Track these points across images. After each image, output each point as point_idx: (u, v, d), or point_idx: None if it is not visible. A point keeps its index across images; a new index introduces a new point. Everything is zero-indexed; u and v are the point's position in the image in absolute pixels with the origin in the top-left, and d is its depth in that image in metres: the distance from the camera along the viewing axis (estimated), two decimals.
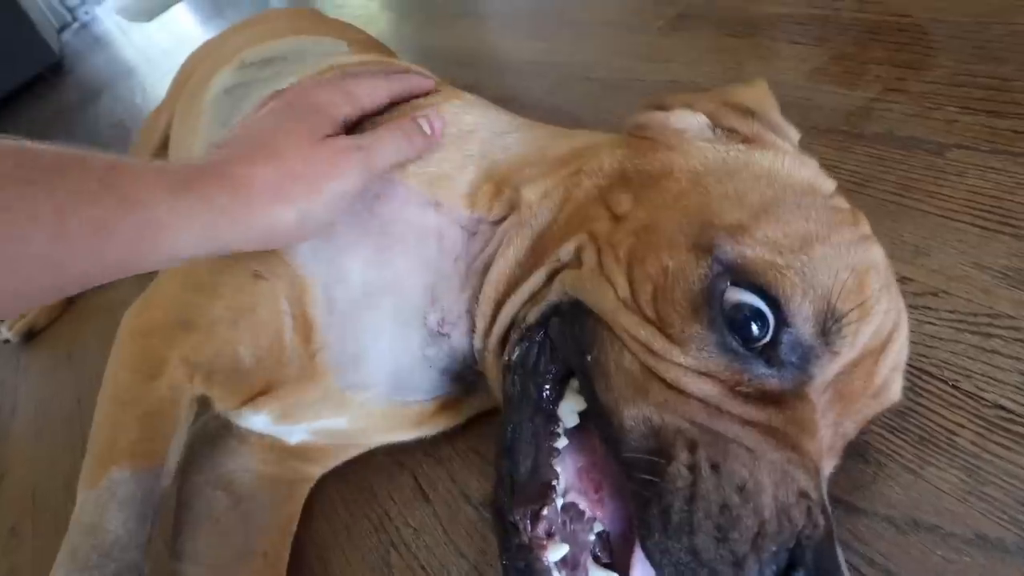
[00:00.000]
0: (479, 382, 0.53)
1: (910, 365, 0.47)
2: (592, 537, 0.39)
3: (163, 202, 0.35)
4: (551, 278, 0.42)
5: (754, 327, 0.34)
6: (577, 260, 0.41)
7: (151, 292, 0.51)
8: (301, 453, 0.57)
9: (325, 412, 0.51)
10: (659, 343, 0.35)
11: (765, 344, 0.34)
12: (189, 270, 0.50)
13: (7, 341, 1.06)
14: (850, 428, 0.37)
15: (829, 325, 0.34)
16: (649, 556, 0.32)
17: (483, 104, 0.58)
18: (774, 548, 0.30)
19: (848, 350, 0.34)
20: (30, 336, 1.07)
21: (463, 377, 0.52)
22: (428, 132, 0.48)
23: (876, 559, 0.40)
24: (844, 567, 0.31)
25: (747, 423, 0.33)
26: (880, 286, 0.36)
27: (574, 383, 0.40)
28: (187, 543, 0.52)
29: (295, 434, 0.54)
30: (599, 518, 0.40)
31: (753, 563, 0.29)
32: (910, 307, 0.50)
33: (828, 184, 0.41)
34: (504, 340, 0.45)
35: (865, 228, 0.38)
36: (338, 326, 0.48)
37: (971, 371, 0.46)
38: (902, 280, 0.39)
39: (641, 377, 0.36)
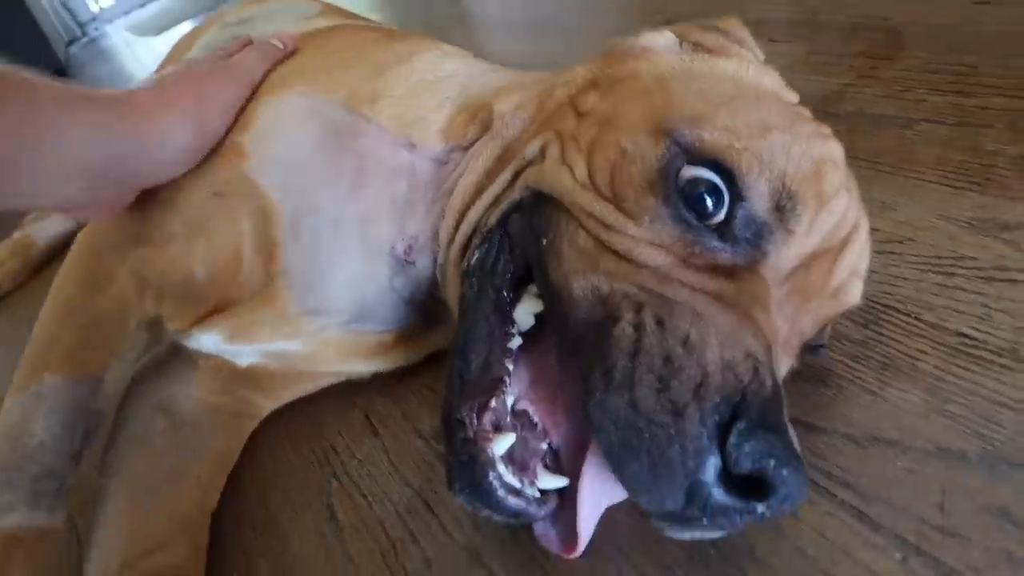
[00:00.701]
0: (440, 314, 0.51)
1: (873, 301, 0.47)
2: (544, 446, 0.37)
3: (51, 96, 0.37)
4: (515, 178, 0.42)
5: (708, 201, 0.33)
6: (541, 156, 0.40)
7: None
8: (251, 380, 0.55)
9: (279, 334, 0.50)
10: (613, 217, 0.35)
11: (720, 222, 0.34)
12: (154, 193, 0.49)
13: None
14: (807, 326, 0.36)
15: (784, 202, 0.33)
16: (591, 419, 0.30)
17: (464, 54, 0.58)
18: (717, 399, 0.28)
19: (804, 234, 0.34)
20: None
21: (425, 308, 0.51)
22: (281, 46, 0.53)
23: (834, 472, 0.38)
24: (791, 430, 0.29)
25: (697, 291, 0.32)
26: (839, 183, 0.36)
27: (532, 288, 0.39)
28: (116, 459, 0.49)
29: (245, 355, 0.52)
30: (549, 431, 0.38)
31: (694, 411, 0.28)
32: (876, 253, 0.50)
33: (791, 95, 0.41)
34: (466, 248, 0.44)
35: (827, 130, 0.38)
36: (302, 253, 0.47)
37: (934, 305, 0.45)
38: (870, 230, 0.39)
39: (593, 251, 0.35)
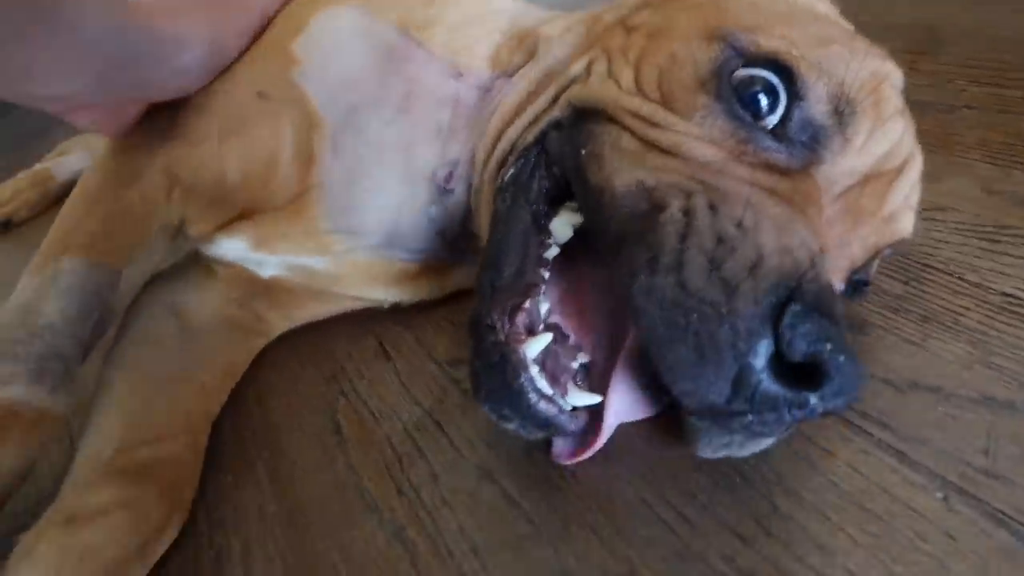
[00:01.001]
0: (468, 252, 0.50)
1: (913, 260, 0.45)
2: (574, 364, 0.35)
3: None
4: (557, 98, 0.40)
5: (764, 101, 0.32)
6: (586, 74, 0.39)
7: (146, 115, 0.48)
8: (269, 293, 0.53)
9: (305, 249, 0.49)
10: (662, 115, 0.34)
11: (775, 124, 0.33)
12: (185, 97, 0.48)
13: None
14: (857, 251, 0.35)
15: (843, 107, 0.32)
16: (633, 303, 0.28)
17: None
18: (773, 279, 0.26)
19: (859, 147, 0.33)
20: (6, 227, 1.03)
21: (456, 242, 0.50)
22: None
23: (871, 413, 0.36)
24: (844, 322, 0.28)
25: (751, 184, 0.31)
26: (897, 104, 0.35)
27: (570, 204, 0.38)
28: (122, 352, 0.47)
29: (269, 266, 0.51)
30: (582, 346, 0.36)
31: (748, 290, 0.26)
32: (919, 218, 0.49)
33: (848, 26, 0.40)
34: (501, 167, 0.43)
35: (884, 53, 0.37)
36: (341, 171, 0.46)
37: (977, 267, 0.44)
38: None
39: (639, 150, 0.33)
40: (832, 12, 0.41)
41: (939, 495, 0.32)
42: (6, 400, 0.36)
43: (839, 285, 0.35)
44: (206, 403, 0.48)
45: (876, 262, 0.37)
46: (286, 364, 0.54)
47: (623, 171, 0.33)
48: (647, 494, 0.36)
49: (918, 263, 0.46)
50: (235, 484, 0.44)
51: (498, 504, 0.37)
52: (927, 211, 0.49)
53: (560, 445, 0.36)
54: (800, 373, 0.26)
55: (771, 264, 0.27)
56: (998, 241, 0.46)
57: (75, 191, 0.46)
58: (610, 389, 0.35)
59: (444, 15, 0.49)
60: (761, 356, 0.26)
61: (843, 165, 0.33)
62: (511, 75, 0.47)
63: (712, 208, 0.29)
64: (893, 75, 0.36)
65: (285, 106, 0.45)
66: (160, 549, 0.38)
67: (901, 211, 0.36)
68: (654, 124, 0.34)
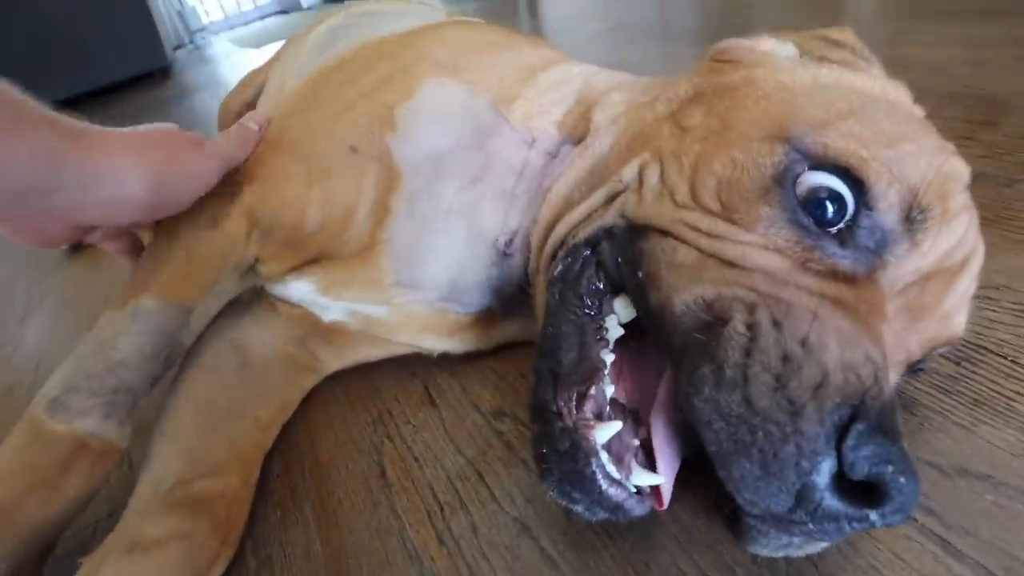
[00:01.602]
0: (522, 306, 0.52)
1: (966, 341, 0.45)
2: (636, 442, 0.36)
3: (14, 109, 0.33)
4: (611, 200, 0.41)
5: (830, 208, 0.32)
6: (639, 181, 0.39)
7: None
8: (325, 335, 0.56)
9: (369, 298, 0.51)
10: (723, 227, 0.33)
11: (840, 229, 0.32)
12: (274, 138, 0.51)
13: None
14: (914, 346, 0.34)
15: (915, 214, 0.32)
16: (697, 415, 0.29)
17: (598, 68, 0.58)
18: (838, 400, 0.27)
19: (927, 249, 0.33)
20: (77, 248, 1.10)
21: (511, 298, 0.52)
22: (256, 129, 0.48)
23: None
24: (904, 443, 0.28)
25: (815, 294, 0.31)
26: (963, 201, 0.34)
27: (622, 298, 0.38)
28: (185, 383, 0.50)
29: (332, 311, 0.54)
30: (645, 422, 0.37)
31: (812, 411, 0.27)
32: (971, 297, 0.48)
33: (917, 110, 0.40)
34: (554, 257, 0.44)
35: (952, 147, 0.37)
36: (411, 230, 0.49)
37: None
38: None
39: (696, 264, 0.33)
40: (905, 98, 0.40)
41: None
42: (80, 432, 0.39)
43: (896, 379, 0.35)
44: (261, 438, 0.50)
45: (932, 355, 0.37)
46: (336, 403, 0.56)
47: (681, 289, 0.33)
48: (683, 563, 0.36)
49: (970, 343, 0.45)
50: (283, 522, 0.46)
51: (535, 561, 0.38)
52: (982, 289, 0.49)
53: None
54: (862, 487, 0.27)
55: (835, 383, 0.27)
56: None
57: (157, 233, 0.49)
58: (657, 449, 0.36)
59: (531, 87, 0.51)
60: (824, 474, 0.27)
61: (908, 267, 0.33)
62: (576, 143, 0.49)
63: (776, 324, 0.29)
64: (961, 172, 0.35)
65: (372, 163, 0.48)
66: None
67: (959, 306, 0.35)
68: (714, 236, 0.33)
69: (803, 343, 0.29)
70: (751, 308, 0.30)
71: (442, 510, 0.43)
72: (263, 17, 5.05)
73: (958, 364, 0.44)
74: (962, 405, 0.41)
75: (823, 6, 1.42)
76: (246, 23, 4.99)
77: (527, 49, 0.58)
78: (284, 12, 5.01)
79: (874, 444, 0.26)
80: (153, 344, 0.44)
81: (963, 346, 0.45)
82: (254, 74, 1.13)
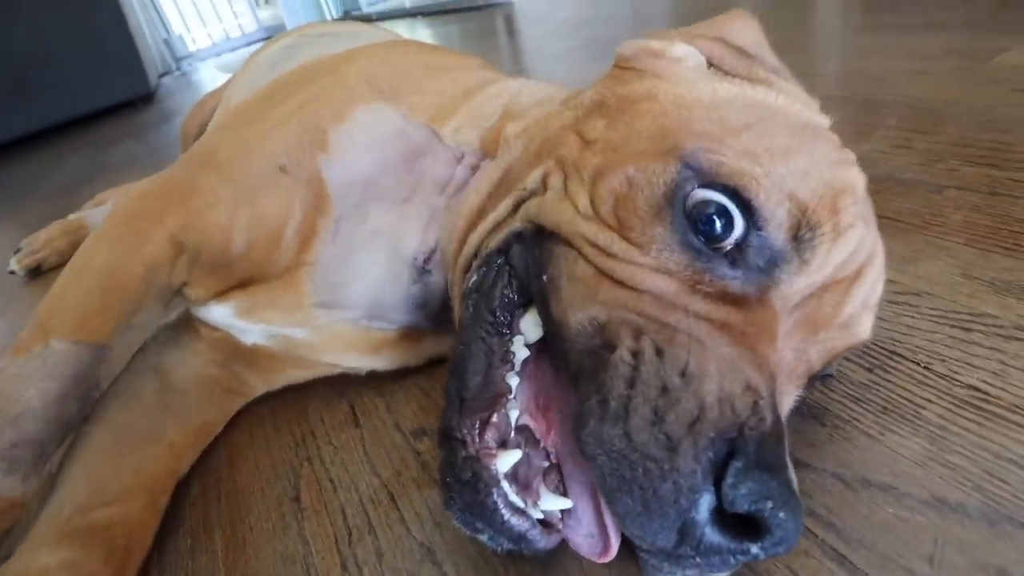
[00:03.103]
0: (449, 322, 0.51)
1: (880, 347, 0.45)
2: (546, 464, 0.35)
3: None
4: (517, 207, 0.40)
5: (718, 225, 0.32)
6: (543, 187, 0.39)
7: (159, 176, 0.50)
8: (249, 358, 0.55)
9: (288, 320, 0.50)
10: (618, 246, 0.33)
11: (732, 248, 0.32)
12: (207, 151, 0.50)
13: (12, 272, 1.08)
14: (815, 357, 0.34)
15: (803, 233, 0.32)
16: (583, 447, 0.28)
17: (535, 82, 0.57)
18: (712, 435, 0.27)
19: (818, 265, 0.32)
20: (36, 273, 1.10)
21: (436, 314, 0.51)
22: None
23: (818, 511, 0.35)
24: (791, 467, 0.28)
25: (702, 318, 0.31)
26: (856, 212, 0.33)
27: (531, 314, 0.37)
28: (100, 408, 0.49)
29: (251, 334, 0.53)
30: (552, 446, 0.36)
31: (688, 448, 0.26)
32: (890, 303, 0.48)
33: (822, 120, 0.39)
34: (467, 270, 0.43)
35: (850, 156, 0.37)
36: (335, 252, 0.48)
37: (946, 357, 0.43)
38: (887, 282, 0.37)
39: (592, 281, 0.33)
40: (808, 112, 0.39)
41: None
42: None
43: (797, 392, 0.34)
44: (174, 464, 0.49)
45: (836, 360, 0.36)
46: (261, 427, 0.55)
47: (577, 305, 0.33)
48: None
49: (885, 350, 0.45)
50: (191, 550, 0.45)
51: None
52: (901, 296, 0.49)
53: (579, 541, 0.34)
54: (745, 519, 0.26)
55: (711, 417, 0.27)
56: (970, 330, 0.44)
57: (73, 262, 0.46)
58: (566, 474, 0.35)
59: (466, 106, 0.51)
60: (703, 511, 0.26)
61: (800, 283, 0.32)
62: (495, 156, 0.48)
63: (659, 352, 0.29)
64: (855, 184, 0.34)
65: (300, 186, 0.47)
66: None
67: (860, 313, 0.34)
68: (610, 254, 0.33)
69: (683, 373, 0.28)
70: (637, 334, 0.30)
71: (350, 535, 0.42)
72: (250, 43, 5.11)
73: (871, 371, 0.43)
74: (871, 413, 0.40)
75: (791, 25, 1.44)
76: (233, 49, 5.04)
77: (468, 71, 0.58)
78: (270, 38, 5.07)
79: (752, 481, 0.26)
80: (62, 390, 0.41)
81: (877, 353, 0.45)
82: (210, 96, 1.14)
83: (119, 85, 3.06)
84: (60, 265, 1.11)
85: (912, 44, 1.03)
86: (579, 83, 0.56)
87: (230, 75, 1.08)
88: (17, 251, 1.10)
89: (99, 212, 1.14)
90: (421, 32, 2.99)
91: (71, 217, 1.14)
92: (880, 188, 0.64)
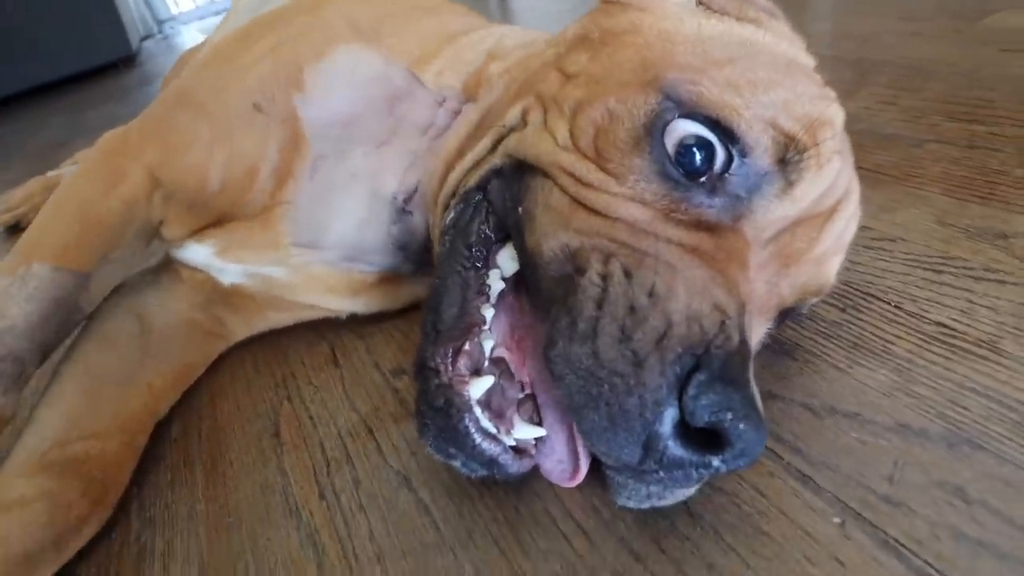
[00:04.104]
0: (427, 265, 0.51)
1: (854, 288, 0.45)
2: (520, 395, 0.36)
3: None
4: (496, 144, 0.40)
5: (697, 156, 0.32)
6: (522, 123, 0.38)
7: (140, 115, 0.50)
8: (230, 300, 0.55)
9: (266, 259, 0.50)
10: (594, 175, 0.33)
11: (711, 177, 0.32)
12: (184, 89, 0.50)
13: None
14: (786, 291, 0.34)
15: (790, 155, 0.32)
16: (552, 368, 0.29)
17: (520, 28, 0.57)
18: (679, 350, 0.27)
19: (801, 192, 0.32)
20: (15, 229, 1.08)
21: (416, 257, 0.51)
22: None
23: (785, 436, 0.36)
24: (755, 390, 0.28)
25: (674, 244, 0.31)
26: (834, 146, 0.33)
27: (507, 249, 0.37)
28: (77, 349, 0.49)
29: (230, 273, 0.53)
30: (528, 378, 0.36)
31: (655, 362, 0.27)
32: (866, 248, 0.49)
33: (807, 59, 0.39)
34: (446, 208, 0.43)
35: (831, 93, 0.36)
36: (312, 193, 0.48)
37: (917, 296, 0.44)
38: (862, 228, 0.38)
39: (567, 210, 0.33)
40: (793, 50, 0.38)
41: (837, 520, 0.32)
42: None
43: (767, 325, 0.35)
44: (153, 404, 0.49)
45: (809, 302, 0.36)
46: (242, 369, 0.55)
47: (550, 234, 0.33)
48: (554, 508, 0.36)
49: (859, 291, 0.45)
50: (171, 484, 0.45)
51: (410, 511, 0.38)
52: (877, 241, 0.50)
53: (549, 467, 0.35)
54: (708, 435, 0.27)
55: (678, 333, 0.27)
56: (941, 272, 0.45)
57: (56, 193, 0.47)
58: (542, 403, 0.35)
59: (449, 49, 0.50)
60: (667, 424, 0.26)
61: (776, 213, 0.32)
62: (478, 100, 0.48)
63: (627, 274, 0.29)
64: (835, 118, 0.34)
65: (276, 123, 0.46)
66: (77, 544, 0.39)
67: (833, 251, 0.35)
68: (586, 184, 0.33)
69: (650, 293, 0.29)
70: (606, 258, 0.30)
71: (328, 466, 0.43)
72: (232, 8, 4.98)
73: (843, 311, 0.44)
74: (841, 348, 0.41)
75: None
76: (216, 13, 4.92)
77: (453, 16, 0.57)
78: None
79: (714, 393, 0.26)
80: (42, 312, 0.42)
81: (850, 293, 0.45)
82: (191, 52, 1.11)
83: (100, 48, 2.99)
84: None
85: (904, 4, 1.02)
86: None
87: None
88: None
89: None
90: None
91: (49, 174, 1.12)
92: (862, 143, 0.65)
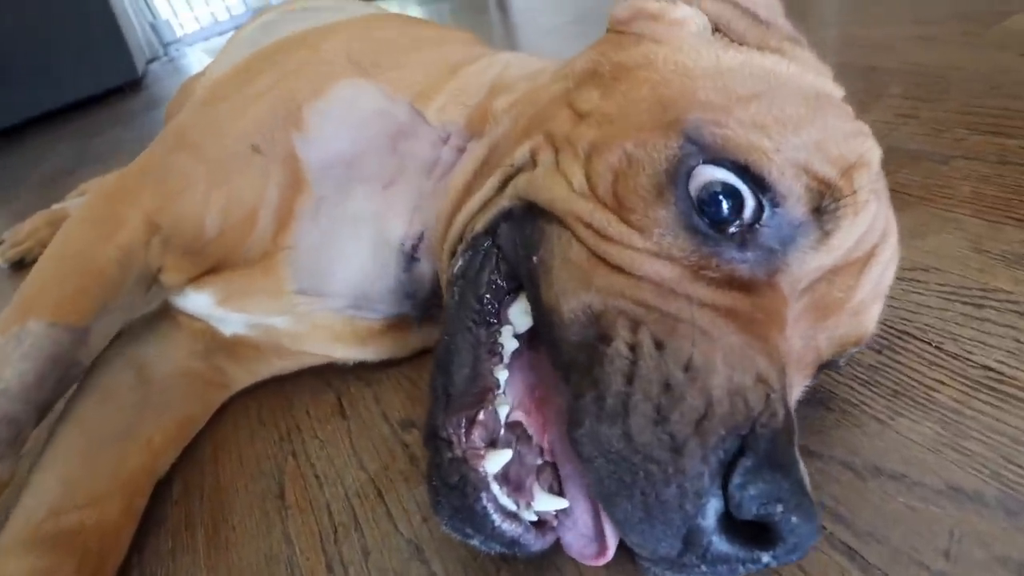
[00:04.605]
0: (436, 311, 0.49)
1: (889, 327, 0.43)
2: (539, 461, 0.33)
3: None
4: (504, 184, 0.38)
5: (725, 206, 0.29)
6: (532, 162, 0.36)
7: (139, 157, 0.49)
8: (231, 349, 0.53)
9: (269, 309, 0.48)
10: (615, 228, 0.30)
11: (744, 228, 0.29)
12: (182, 130, 0.48)
13: None
14: (824, 344, 0.32)
15: (826, 204, 0.29)
16: (579, 450, 0.26)
17: (525, 55, 0.55)
18: (723, 432, 0.24)
19: (839, 241, 0.30)
20: (20, 265, 1.07)
21: (424, 304, 0.49)
22: None
23: (827, 502, 0.33)
24: (803, 468, 0.25)
25: (706, 306, 0.28)
26: (871, 187, 0.31)
27: (519, 302, 0.35)
28: (75, 406, 0.48)
29: (232, 323, 0.51)
30: (547, 442, 0.34)
31: (695, 448, 0.24)
32: (899, 280, 0.46)
33: (836, 90, 0.37)
34: (453, 254, 0.40)
35: (865, 128, 0.34)
36: (315, 236, 0.46)
37: (958, 336, 0.41)
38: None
39: (587, 265, 0.30)
40: (821, 81, 0.36)
41: None
42: None
43: (805, 382, 0.32)
44: (152, 462, 0.47)
45: (849, 353, 0.34)
46: (245, 418, 0.53)
47: (570, 292, 0.30)
48: None
49: (894, 329, 0.43)
50: (172, 552, 0.43)
51: None
52: (908, 271, 0.47)
53: (571, 540, 0.32)
54: (754, 524, 0.24)
55: (720, 412, 0.25)
56: (983, 307, 0.42)
57: (51, 245, 0.46)
58: (563, 473, 0.33)
59: (452, 82, 0.48)
60: (710, 517, 0.24)
61: (813, 263, 0.30)
62: (482, 135, 0.45)
63: (659, 345, 0.27)
64: (872, 157, 0.31)
65: (275, 165, 0.45)
66: None
67: (872, 299, 0.32)
68: (607, 237, 0.30)
69: (687, 367, 0.26)
70: (635, 325, 0.28)
71: (335, 532, 0.40)
72: (238, 27, 5.02)
73: (879, 352, 0.41)
74: (881, 397, 0.38)
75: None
76: (221, 33, 4.95)
77: (455, 46, 0.55)
78: None
79: (762, 482, 0.23)
80: (38, 370, 0.41)
81: (886, 332, 0.42)
82: (194, 79, 1.10)
83: (106, 72, 3.01)
84: None
85: (916, 8, 0.99)
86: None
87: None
88: (0, 243, 1.08)
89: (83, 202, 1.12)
90: (412, 8, 2.92)
91: (54, 207, 1.12)
92: (886, 159, 0.62)
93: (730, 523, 0.24)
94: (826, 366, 0.34)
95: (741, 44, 0.38)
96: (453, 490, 0.30)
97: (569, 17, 1.73)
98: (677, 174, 0.30)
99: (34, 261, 1.06)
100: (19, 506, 0.41)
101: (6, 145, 2.54)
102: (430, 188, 0.46)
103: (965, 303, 0.43)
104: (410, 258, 0.46)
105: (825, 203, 0.29)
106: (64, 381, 0.44)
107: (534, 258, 0.33)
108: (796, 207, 0.29)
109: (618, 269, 0.30)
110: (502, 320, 0.35)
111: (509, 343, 0.34)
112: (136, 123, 2.27)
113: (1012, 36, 0.81)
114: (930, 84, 0.75)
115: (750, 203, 0.29)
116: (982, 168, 0.57)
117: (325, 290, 0.47)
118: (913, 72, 0.79)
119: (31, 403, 0.41)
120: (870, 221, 0.31)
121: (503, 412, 0.32)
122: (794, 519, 0.23)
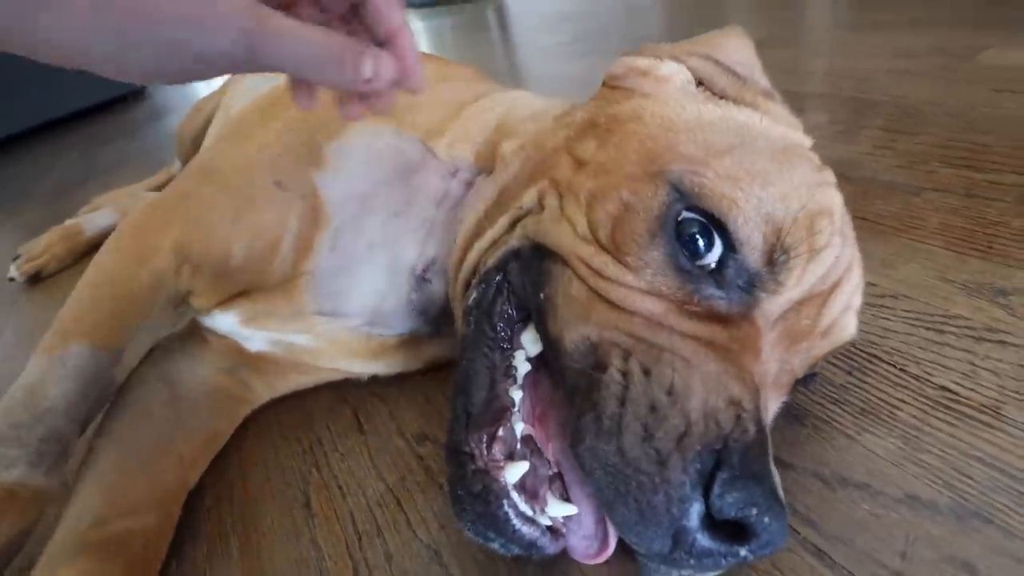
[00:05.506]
0: (449, 326, 0.53)
1: (858, 349, 0.47)
2: (551, 472, 0.37)
3: None
4: (514, 225, 0.42)
5: (700, 243, 0.34)
6: (539, 206, 0.41)
7: (167, 189, 0.53)
8: (255, 364, 0.57)
9: (290, 328, 0.52)
10: (612, 269, 0.35)
11: (714, 269, 0.34)
12: (209, 164, 0.53)
13: (12, 279, 1.09)
14: (798, 365, 0.36)
15: (777, 256, 0.34)
16: (581, 463, 0.31)
17: (528, 94, 0.59)
18: (699, 448, 0.29)
19: (793, 285, 0.34)
20: (35, 279, 1.11)
21: (436, 320, 0.53)
22: (369, 75, 0.29)
23: (799, 509, 0.38)
24: (775, 475, 0.30)
25: (688, 337, 0.33)
26: (832, 230, 0.35)
27: (530, 330, 0.39)
28: (112, 421, 0.51)
29: (256, 341, 0.55)
30: (555, 456, 0.38)
31: (677, 461, 0.29)
32: (868, 305, 0.51)
33: (804, 140, 0.41)
34: (467, 285, 0.45)
35: (829, 177, 0.38)
36: (332, 263, 0.50)
37: (920, 359, 0.45)
38: (867, 284, 0.40)
39: (586, 301, 0.35)
40: (790, 134, 0.41)
41: None
42: (6, 483, 0.40)
43: (782, 399, 0.37)
44: (184, 475, 0.51)
45: (820, 363, 0.38)
46: (268, 435, 0.57)
47: (572, 325, 0.35)
48: None
49: (864, 352, 0.47)
50: (208, 558, 0.47)
51: None
52: (879, 298, 0.51)
53: (575, 543, 0.36)
54: (734, 523, 0.29)
55: (697, 431, 0.29)
56: (943, 332, 0.47)
57: (88, 272, 0.50)
58: (569, 482, 0.37)
59: (459, 119, 0.53)
60: (694, 518, 0.28)
61: (778, 301, 0.34)
62: (489, 172, 0.50)
63: (646, 372, 0.31)
64: (832, 205, 0.36)
65: (296, 199, 0.49)
66: None
67: (841, 318, 0.37)
68: (604, 277, 0.35)
69: (669, 391, 0.31)
70: (626, 355, 0.32)
71: (360, 539, 0.44)
72: None
73: (849, 374, 0.46)
74: (849, 414, 0.43)
75: (783, 21, 1.46)
76: None
77: (462, 83, 0.60)
78: None
79: (736, 491, 0.28)
80: (80, 390, 0.45)
81: (855, 354, 0.47)
82: (205, 101, 1.14)
83: (109, 82, 3.04)
84: (59, 271, 1.12)
85: (898, 42, 1.05)
86: (571, 79, 0.58)
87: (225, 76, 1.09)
88: (16, 258, 1.11)
89: (96, 217, 1.15)
90: (413, 25, 2.98)
91: (68, 223, 1.15)
92: (863, 190, 0.67)
93: (712, 523, 0.29)
94: (801, 381, 0.38)
95: (721, 97, 0.43)
96: (477, 498, 0.34)
97: (567, 37, 1.78)
98: (666, 219, 0.35)
99: (49, 275, 1.11)
100: (65, 516, 0.45)
101: (13, 154, 2.57)
102: (440, 217, 0.51)
103: (928, 328, 0.48)
104: (421, 279, 0.51)
105: (777, 255, 0.34)
106: (102, 398, 0.48)
107: (541, 294, 0.38)
108: (752, 255, 0.34)
109: (613, 305, 0.34)
110: (515, 345, 0.39)
111: (522, 366, 0.38)
112: (141, 134, 2.30)
113: (986, 70, 0.86)
114: (908, 117, 0.80)
115: (718, 245, 0.34)
116: (952, 200, 0.61)
117: (342, 311, 0.51)
118: (893, 104, 0.84)
119: (74, 420, 0.45)
120: (832, 261, 0.35)
121: (519, 428, 0.37)
122: (766, 519, 0.28)
